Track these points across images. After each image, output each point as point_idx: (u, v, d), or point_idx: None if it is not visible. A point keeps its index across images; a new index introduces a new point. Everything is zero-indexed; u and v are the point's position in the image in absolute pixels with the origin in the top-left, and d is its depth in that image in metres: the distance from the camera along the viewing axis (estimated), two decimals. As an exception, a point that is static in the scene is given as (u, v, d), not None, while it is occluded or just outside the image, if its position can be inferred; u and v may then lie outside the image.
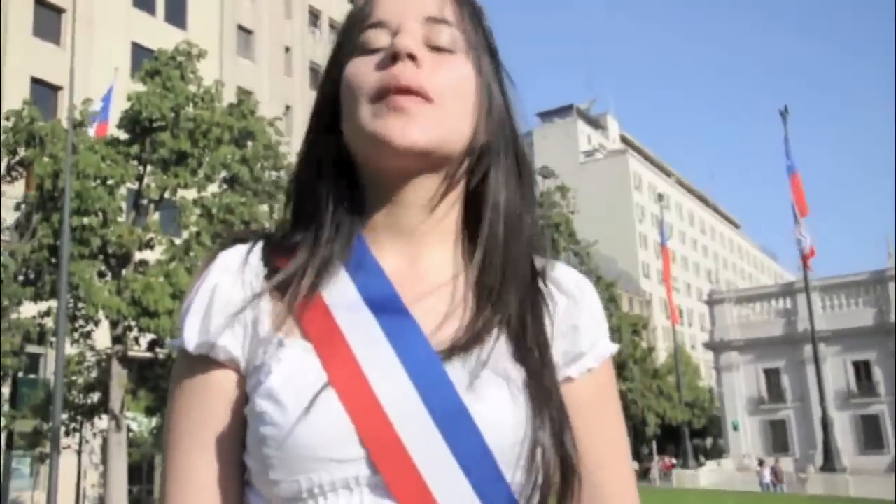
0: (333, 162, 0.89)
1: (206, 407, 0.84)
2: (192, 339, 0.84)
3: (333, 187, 0.89)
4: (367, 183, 0.89)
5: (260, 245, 0.89)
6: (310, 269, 0.85)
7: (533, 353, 0.85)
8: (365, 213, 0.89)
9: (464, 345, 0.82)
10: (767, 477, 31.25)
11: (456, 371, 0.80)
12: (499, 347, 0.83)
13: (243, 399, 0.83)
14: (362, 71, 0.85)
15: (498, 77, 0.92)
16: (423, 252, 0.89)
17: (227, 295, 0.85)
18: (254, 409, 0.79)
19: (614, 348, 0.94)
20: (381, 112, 0.83)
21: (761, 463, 33.73)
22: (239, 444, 0.83)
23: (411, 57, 0.83)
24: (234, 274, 0.86)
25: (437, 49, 0.86)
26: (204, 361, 0.84)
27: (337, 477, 0.75)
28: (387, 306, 0.83)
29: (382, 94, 0.83)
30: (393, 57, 0.83)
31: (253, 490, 0.82)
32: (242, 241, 0.91)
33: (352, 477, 0.76)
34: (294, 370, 0.78)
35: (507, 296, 0.87)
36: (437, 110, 0.84)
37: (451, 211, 0.90)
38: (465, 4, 0.91)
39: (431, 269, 0.88)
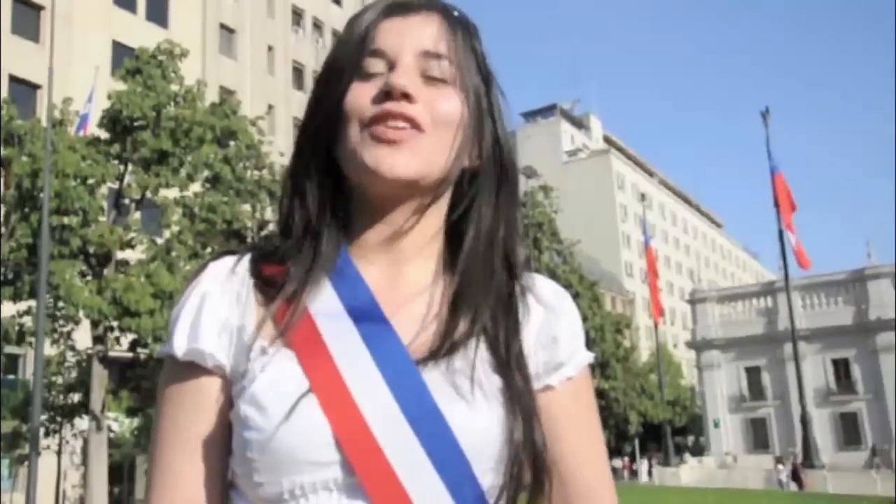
0: (324, 174, 0.93)
1: (193, 412, 0.87)
2: (180, 345, 0.87)
3: (322, 200, 0.93)
4: (355, 199, 0.93)
5: (248, 256, 0.93)
6: (295, 279, 0.89)
7: (507, 361, 0.89)
8: (351, 226, 0.94)
9: (439, 352, 0.86)
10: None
11: (432, 377, 0.84)
12: (474, 355, 0.87)
13: (229, 404, 0.87)
14: (360, 100, 0.89)
15: (490, 103, 0.96)
16: (405, 266, 0.93)
17: (214, 305, 0.89)
18: (238, 414, 0.82)
19: (590, 357, 0.99)
20: (372, 142, 0.87)
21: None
22: (224, 448, 0.87)
23: (405, 95, 0.87)
24: (223, 283, 0.90)
25: (430, 79, 0.91)
26: (191, 368, 0.88)
27: (318, 479, 0.79)
28: (367, 315, 0.87)
29: (374, 125, 0.87)
30: (388, 93, 0.87)
31: (238, 493, 0.85)
32: (234, 253, 0.94)
33: (331, 479, 0.79)
34: (277, 377, 0.81)
35: (484, 311, 0.91)
36: (425, 140, 0.88)
37: (434, 230, 0.95)
38: (460, 29, 0.95)
39: (412, 282, 0.93)
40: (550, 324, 0.96)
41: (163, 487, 0.87)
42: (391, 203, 0.91)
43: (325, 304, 0.87)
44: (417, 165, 0.87)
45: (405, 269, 0.93)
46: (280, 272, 0.90)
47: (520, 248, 0.97)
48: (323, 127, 0.92)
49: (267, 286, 0.90)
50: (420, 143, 0.87)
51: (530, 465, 0.86)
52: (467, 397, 0.83)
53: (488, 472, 0.83)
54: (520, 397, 0.87)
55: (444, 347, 0.86)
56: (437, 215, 0.95)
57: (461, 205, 0.95)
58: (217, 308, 0.88)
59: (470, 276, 0.92)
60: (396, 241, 0.93)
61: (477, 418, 0.83)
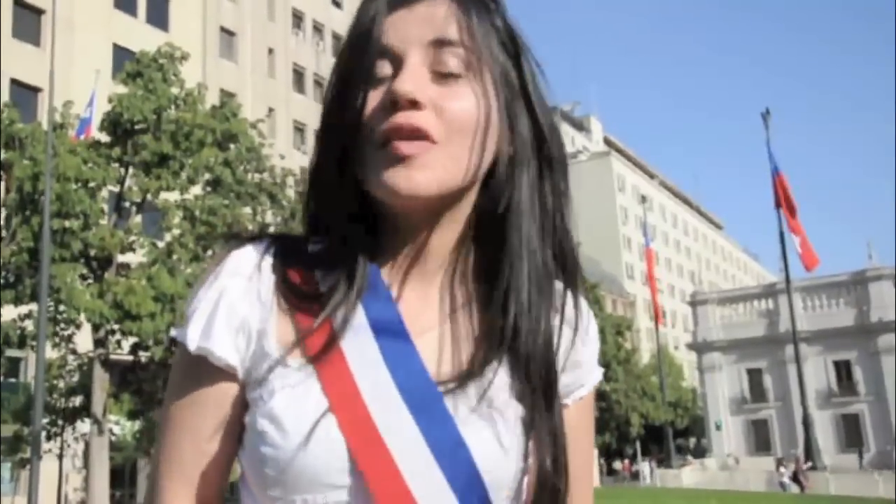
0: (351, 187, 0.87)
1: (198, 403, 0.87)
2: (193, 339, 0.85)
3: (350, 212, 0.87)
4: (381, 212, 0.87)
5: (272, 251, 0.88)
6: (321, 289, 0.86)
7: (536, 390, 0.86)
8: (379, 239, 0.89)
9: (464, 377, 0.83)
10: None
11: (454, 402, 0.81)
12: (500, 383, 0.85)
13: (235, 402, 0.86)
14: (370, 114, 0.83)
15: (523, 80, 0.89)
16: (434, 281, 0.89)
17: (234, 302, 0.86)
18: (254, 426, 0.81)
19: (601, 375, 0.99)
20: (386, 160, 0.81)
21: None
22: (228, 443, 0.86)
23: (413, 103, 0.80)
24: (245, 280, 0.86)
25: (441, 75, 0.83)
26: (202, 361, 0.86)
27: (332, 500, 0.78)
28: (392, 333, 0.84)
29: (386, 143, 0.81)
30: (394, 102, 0.81)
31: (248, 490, 0.85)
32: (254, 239, 0.90)
33: (345, 502, 0.78)
34: (296, 393, 0.80)
35: (523, 341, 0.87)
36: (440, 151, 0.81)
37: (463, 235, 0.89)
38: (474, 7, 0.86)
39: (442, 300, 0.89)
40: (578, 347, 0.93)
41: (167, 464, 0.87)
42: (415, 216, 0.86)
43: (350, 320, 0.84)
44: (437, 180, 0.81)
45: (434, 284, 0.89)
46: (307, 281, 0.87)
47: (577, 264, 0.91)
48: (344, 147, 0.85)
49: (291, 292, 0.86)
50: (435, 156, 0.81)
51: (552, 498, 0.85)
52: (490, 426, 0.82)
53: (504, 500, 0.82)
54: (549, 430, 0.85)
55: (468, 373, 0.83)
56: (465, 217, 0.89)
57: (497, 192, 0.87)
58: (235, 308, 0.85)
59: (517, 312, 0.86)
60: (424, 254, 0.88)
61: (500, 448, 0.81)
